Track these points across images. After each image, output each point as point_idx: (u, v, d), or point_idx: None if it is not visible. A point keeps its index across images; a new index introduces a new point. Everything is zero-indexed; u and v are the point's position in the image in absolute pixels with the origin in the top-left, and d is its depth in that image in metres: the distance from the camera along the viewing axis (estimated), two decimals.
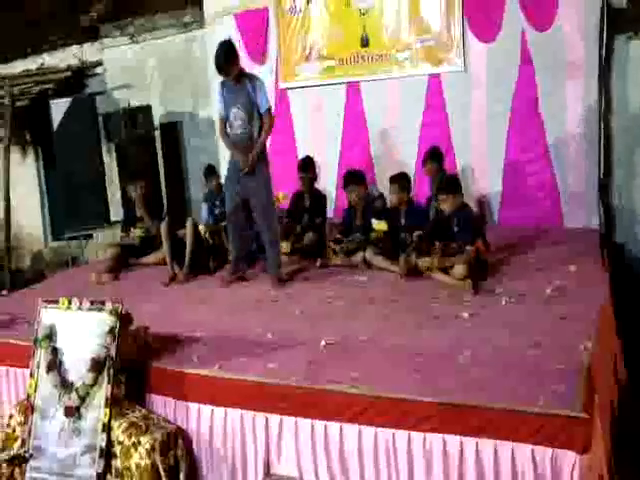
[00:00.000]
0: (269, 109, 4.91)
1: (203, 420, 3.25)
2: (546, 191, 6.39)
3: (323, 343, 3.54)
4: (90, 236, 8.20)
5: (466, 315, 3.91)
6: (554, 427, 2.59)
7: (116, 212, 7.99)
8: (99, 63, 8.84)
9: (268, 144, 7.51)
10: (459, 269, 4.56)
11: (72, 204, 7.82)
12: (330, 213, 6.60)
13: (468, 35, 6.55)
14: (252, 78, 4.90)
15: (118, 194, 8.10)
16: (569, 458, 2.57)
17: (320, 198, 5.94)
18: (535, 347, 3.31)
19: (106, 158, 8.26)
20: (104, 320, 3.23)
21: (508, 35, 6.35)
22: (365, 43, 6.99)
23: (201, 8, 7.86)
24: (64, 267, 8.30)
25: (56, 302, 3.36)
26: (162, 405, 3.34)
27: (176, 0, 8.42)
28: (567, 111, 6.22)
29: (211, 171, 6.81)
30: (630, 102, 6.10)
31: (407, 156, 6.73)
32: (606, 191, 6.17)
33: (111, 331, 3.20)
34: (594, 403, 2.75)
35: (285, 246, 5.65)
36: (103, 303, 3.27)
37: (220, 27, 7.63)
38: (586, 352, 3.15)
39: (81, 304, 3.31)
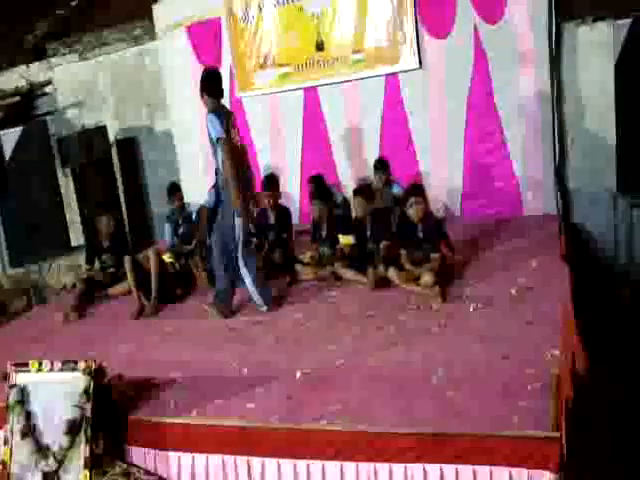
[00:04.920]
0: (219, 139, 4.57)
1: (184, 469, 3.22)
2: (505, 181, 6.50)
3: (299, 375, 3.56)
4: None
5: (436, 329, 3.98)
6: (528, 448, 2.66)
7: (76, 237, 7.81)
8: (48, 82, 8.56)
9: None
10: (426, 278, 4.62)
11: (30, 232, 7.61)
12: (295, 220, 6.58)
13: (422, 32, 6.54)
14: None
15: (77, 219, 7.94)
16: (545, 478, 2.64)
17: (284, 213, 5.91)
18: (505, 359, 3.40)
19: (63, 182, 8.06)
20: (77, 380, 3.18)
21: (461, 30, 6.38)
22: (320, 47, 6.93)
23: (151, 21, 7.69)
24: (24, 296, 8.03)
25: (26, 365, 3.30)
26: (142, 457, 3.30)
27: (125, 14, 8.18)
28: (521, 101, 6.30)
29: (174, 189, 6.64)
30: (581, 87, 6.20)
31: (370, 157, 6.71)
32: (562, 175, 6.32)
33: (85, 391, 3.16)
34: (563, 416, 2.83)
35: None
36: (75, 362, 3.23)
37: (172, 39, 7.51)
38: (553, 359, 3.27)
39: (52, 365, 3.26)
